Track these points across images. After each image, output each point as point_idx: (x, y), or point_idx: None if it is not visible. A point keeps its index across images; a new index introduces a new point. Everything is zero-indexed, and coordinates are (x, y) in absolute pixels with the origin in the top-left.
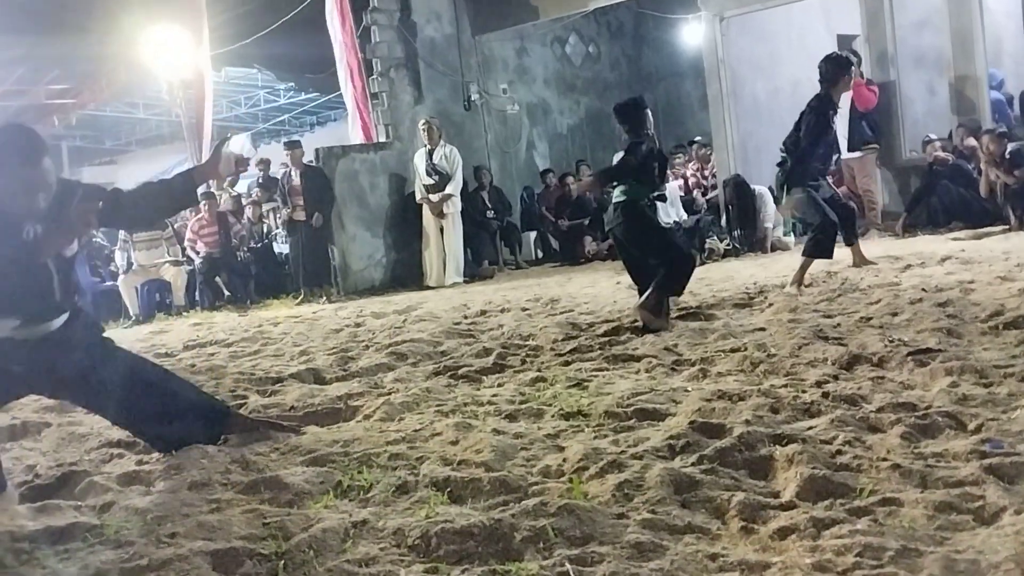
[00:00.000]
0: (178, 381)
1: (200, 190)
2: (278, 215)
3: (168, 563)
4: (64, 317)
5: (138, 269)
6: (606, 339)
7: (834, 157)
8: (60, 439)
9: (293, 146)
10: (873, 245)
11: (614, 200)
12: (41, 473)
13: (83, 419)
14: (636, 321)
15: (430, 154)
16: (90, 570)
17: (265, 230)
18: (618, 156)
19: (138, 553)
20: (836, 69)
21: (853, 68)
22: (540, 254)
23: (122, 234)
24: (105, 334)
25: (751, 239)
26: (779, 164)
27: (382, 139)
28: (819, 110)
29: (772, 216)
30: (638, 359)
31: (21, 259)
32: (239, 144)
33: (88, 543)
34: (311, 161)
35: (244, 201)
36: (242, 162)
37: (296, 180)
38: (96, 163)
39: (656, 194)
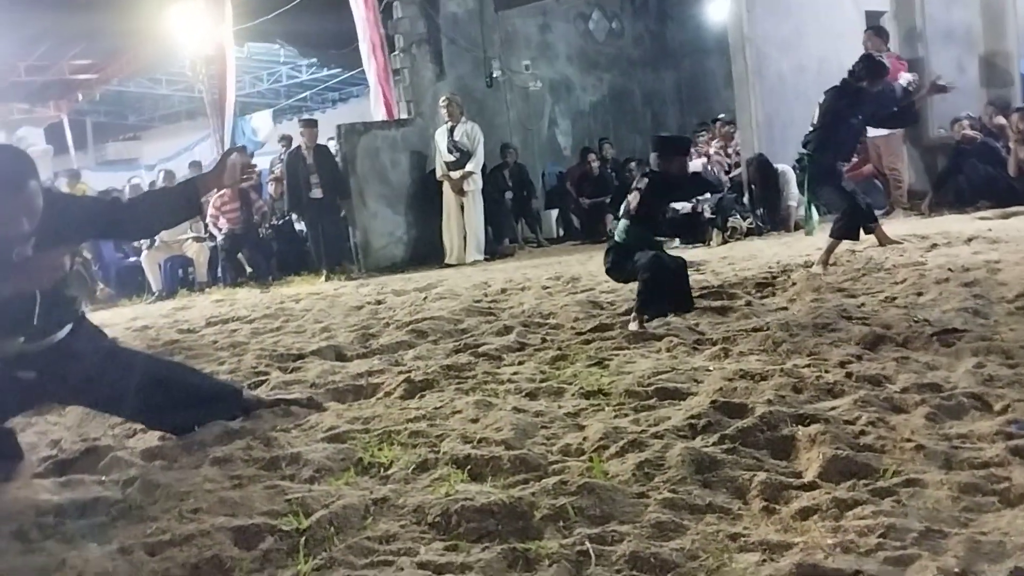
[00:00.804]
0: (185, 371)
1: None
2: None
3: (191, 538)
4: (68, 328)
5: (161, 245)
6: (627, 318)
7: (856, 147)
8: (84, 414)
9: (309, 124)
10: (899, 224)
11: (616, 238)
12: (65, 448)
13: None
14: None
15: (451, 131)
16: (114, 544)
17: (286, 208)
18: (643, 181)
19: (161, 528)
20: (869, 72)
21: (884, 77)
22: (561, 232)
23: None
24: (107, 337)
25: (774, 218)
26: (797, 161)
27: (404, 116)
28: (837, 100)
29: (795, 195)
30: (659, 338)
31: (13, 281)
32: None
33: (112, 517)
34: (331, 138)
35: (267, 177)
36: (247, 170)
37: (310, 159)
38: (119, 138)
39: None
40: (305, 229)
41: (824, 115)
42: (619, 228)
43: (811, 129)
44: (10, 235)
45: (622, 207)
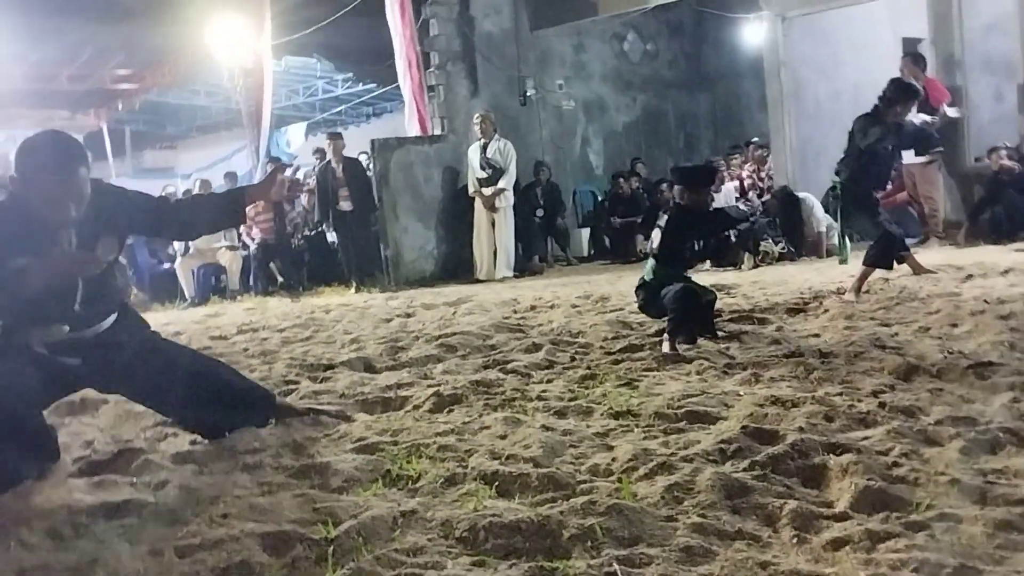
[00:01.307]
0: (225, 369)
1: (257, 178)
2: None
3: (220, 543)
4: (112, 318)
5: (195, 253)
6: (657, 339)
7: (891, 175)
8: (117, 416)
9: (335, 137)
10: (933, 254)
11: (645, 277)
12: (98, 449)
13: None
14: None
15: (484, 148)
16: (145, 546)
17: (317, 219)
18: (663, 219)
19: (191, 532)
20: (900, 96)
21: (916, 100)
22: (592, 251)
23: None
24: (151, 328)
25: (800, 247)
26: (831, 189)
27: (437, 132)
28: (866, 128)
29: (823, 220)
30: (689, 360)
31: (59, 269)
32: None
33: (143, 519)
34: (364, 152)
35: (300, 189)
36: (295, 187)
37: (339, 171)
38: (157, 147)
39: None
40: (336, 241)
41: (855, 143)
42: (647, 267)
43: (842, 157)
44: (57, 219)
45: (648, 246)
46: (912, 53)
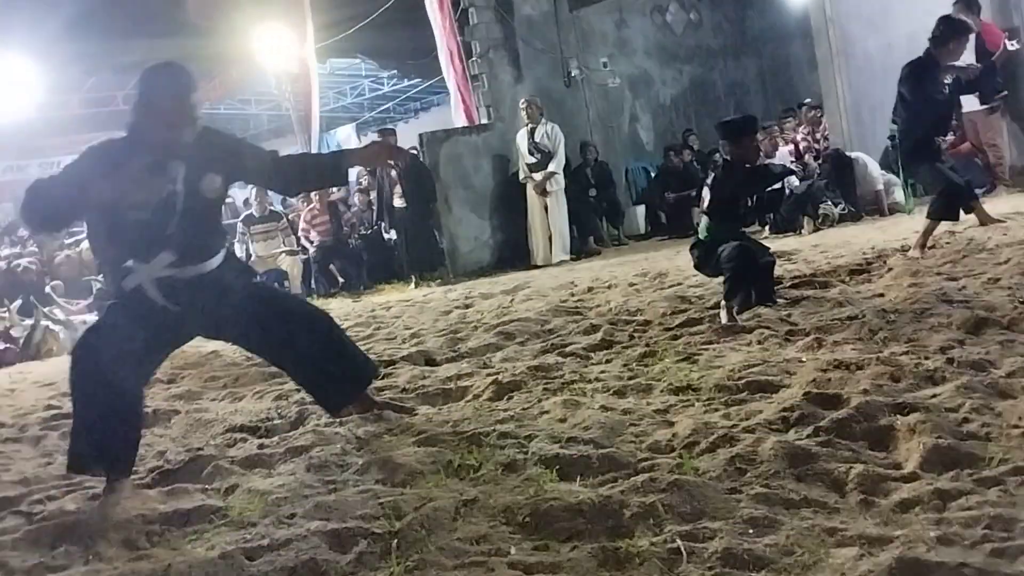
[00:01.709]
0: (337, 328)
1: None
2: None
3: (287, 543)
4: (219, 258)
5: (256, 260)
6: (716, 311)
7: (951, 122)
8: (188, 425)
9: (385, 133)
10: (1001, 202)
11: (699, 235)
12: (171, 458)
13: (209, 406)
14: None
15: (532, 133)
16: (216, 551)
17: (374, 216)
18: (711, 177)
19: (259, 534)
20: (951, 33)
21: (968, 36)
22: (648, 228)
23: (240, 227)
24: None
25: (859, 207)
26: (890, 138)
27: (484, 121)
28: (917, 74)
29: (879, 179)
30: (750, 331)
31: (167, 196)
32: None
33: (214, 524)
34: (413, 147)
35: (353, 188)
36: (401, 155)
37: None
38: None
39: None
40: (394, 237)
41: (905, 89)
42: (701, 225)
43: (895, 107)
44: (173, 143)
45: (700, 204)
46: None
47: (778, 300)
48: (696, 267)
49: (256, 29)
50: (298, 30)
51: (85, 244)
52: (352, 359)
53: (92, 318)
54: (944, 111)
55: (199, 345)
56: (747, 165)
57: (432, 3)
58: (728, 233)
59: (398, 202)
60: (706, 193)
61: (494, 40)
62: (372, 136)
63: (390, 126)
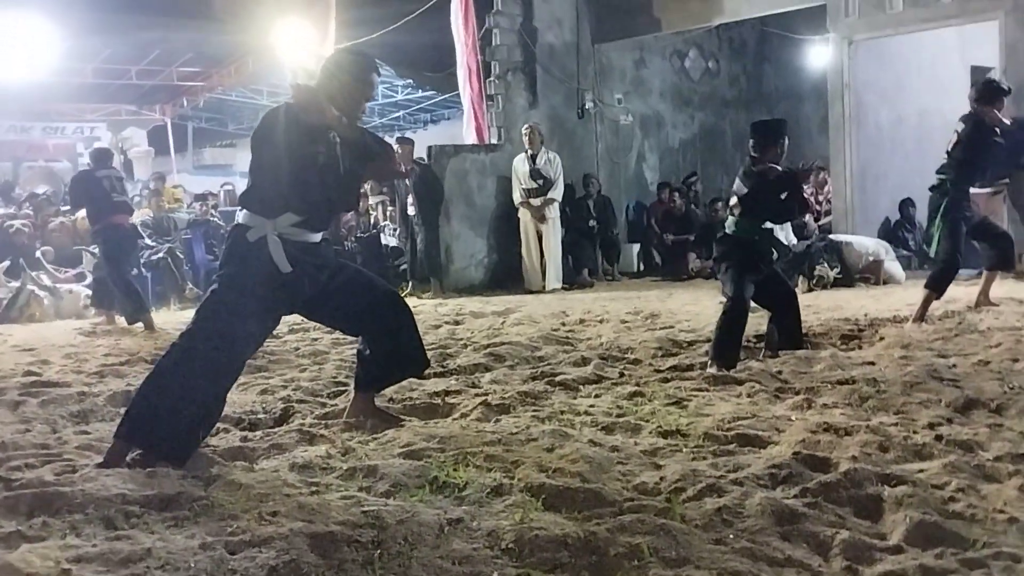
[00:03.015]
0: (409, 315)
1: None
2: (387, 209)
3: (269, 541)
4: (320, 235)
5: None
6: (707, 358)
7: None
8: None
9: (404, 142)
10: (995, 287)
11: (726, 230)
12: None
13: None
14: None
15: (533, 158)
16: (196, 540)
17: (372, 222)
18: (738, 181)
19: (241, 528)
20: (994, 91)
21: (1001, 102)
22: (641, 267)
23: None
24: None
25: (850, 276)
26: (932, 188)
27: (494, 141)
28: (971, 128)
29: (879, 249)
30: (740, 382)
31: (320, 164)
32: None
33: (194, 512)
34: (420, 158)
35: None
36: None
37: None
38: (217, 144)
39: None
40: (392, 244)
41: (964, 142)
42: (728, 222)
43: (947, 157)
44: (353, 116)
45: (730, 201)
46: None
47: (805, 346)
48: (715, 260)
49: (279, 22)
50: (321, 28)
51: (81, 212)
52: (413, 350)
53: (80, 288)
54: (994, 167)
55: None
56: (776, 166)
57: (457, 19)
58: (753, 231)
59: (412, 210)
60: (737, 187)
61: (514, 63)
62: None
63: (408, 135)
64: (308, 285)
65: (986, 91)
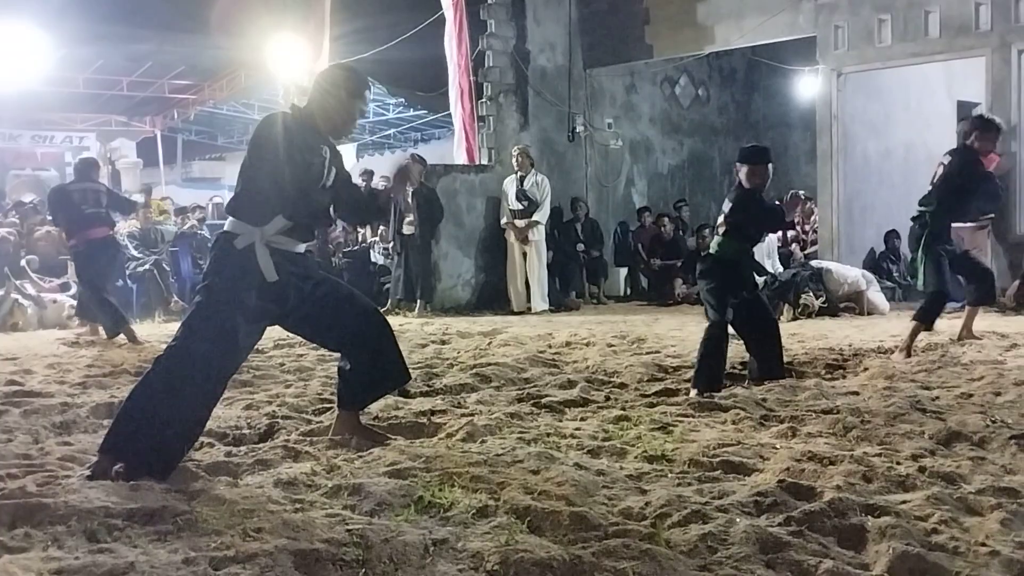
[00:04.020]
0: (388, 328)
1: None
2: (377, 227)
3: (253, 557)
4: (305, 247)
5: None
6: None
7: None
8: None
9: (418, 161)
10: (978, 320)
11: (711, 250)
12: None
13: None
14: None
15: (521, 180)
16: (179, 554)
17: (359, 239)
18: (726, 202)
19: (225, 543)
20: (982, 126)
21: (994, 139)
22: (628, 291)
23: None
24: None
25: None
26: (914, 218)
27: (484, 162)
28: (958, 163)
29: (859, 279)
30: (725, 409)
31: (310, 176)
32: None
33: (178, 527)
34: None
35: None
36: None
37: (409, 196)
38: (206, 158)
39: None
40: (380, 262)
41: (949, 175)
42: (713, 243)
43: (930, 189)
44: (345, 132)
45: (716, 224)
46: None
47: (788, 375)
48: (698, 275)
49: (273, 37)
50: (315, 44)
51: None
52: (395, 364)
53: (64, 298)
54: (975, 201)
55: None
56: (759, 195)
57: (451, 40)
58: (737, 253)
59: (407, 229)
60: (725, 207)
61: (506, 85)
62: (376, 159)
63: (418, 153)
64: (293, 295)
65: (978, 126)
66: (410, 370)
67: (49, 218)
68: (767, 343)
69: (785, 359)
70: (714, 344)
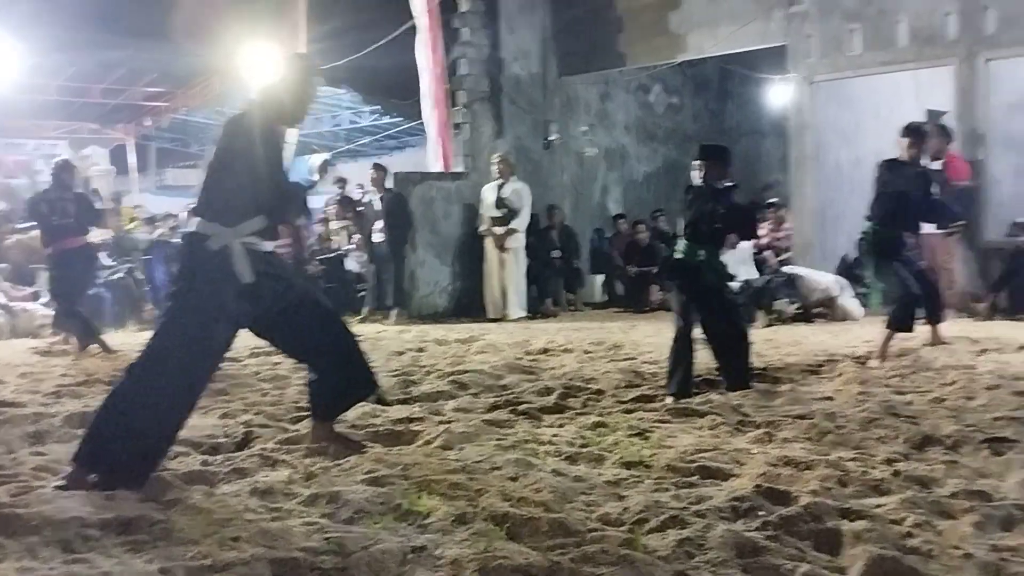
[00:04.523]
0: (352, 336)
1: None
2: (351, 235)
3: (231, 566)
4: (273, 245)
5: None
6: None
7: (917, 226)
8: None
9: (378, 169)
10: (949, 325)
11: (676, 255)
12: None
13: None
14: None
15: (500, 188)
16: (155, 564)
17: (333, 247)
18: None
19: (202, 553)
20: (907, 134)
21: (925, 140)
22: (605, 297)
23: None
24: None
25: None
26: (864, 234)
27: (459, 169)
28: (882, 175)
29: (833, 286)
30: (702, 415)
31: (275, 173)
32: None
33: (153, 536)
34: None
35: (316, 217)
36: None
37: (378, 203)
38: (179, 165)
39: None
40: (356, 270)
41: (880, 185)
42: (678, 246)
43: (871, 203)
44: (299, 118)
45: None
46: (941, 125)
47: (746, 387)
48: (663, 277)
49: (246, 44)
50: (288, 51)
51: (36, 232)
52: (362, 371)
53: (35, 306)
54: (916, 207)
55: None
56: (720, 193)
57: (425, 48)
58: (698, 256)
59: (377, 237)
60: (684, 211)
61: (480, 93)
62: (342, 168)
63: (382, 163)
64: (267, 295)
65: (901, 133)
66: (378, 378)
67: (20, 226)
68: (729, 353)
69: (760, 365)
70: (678, 350)
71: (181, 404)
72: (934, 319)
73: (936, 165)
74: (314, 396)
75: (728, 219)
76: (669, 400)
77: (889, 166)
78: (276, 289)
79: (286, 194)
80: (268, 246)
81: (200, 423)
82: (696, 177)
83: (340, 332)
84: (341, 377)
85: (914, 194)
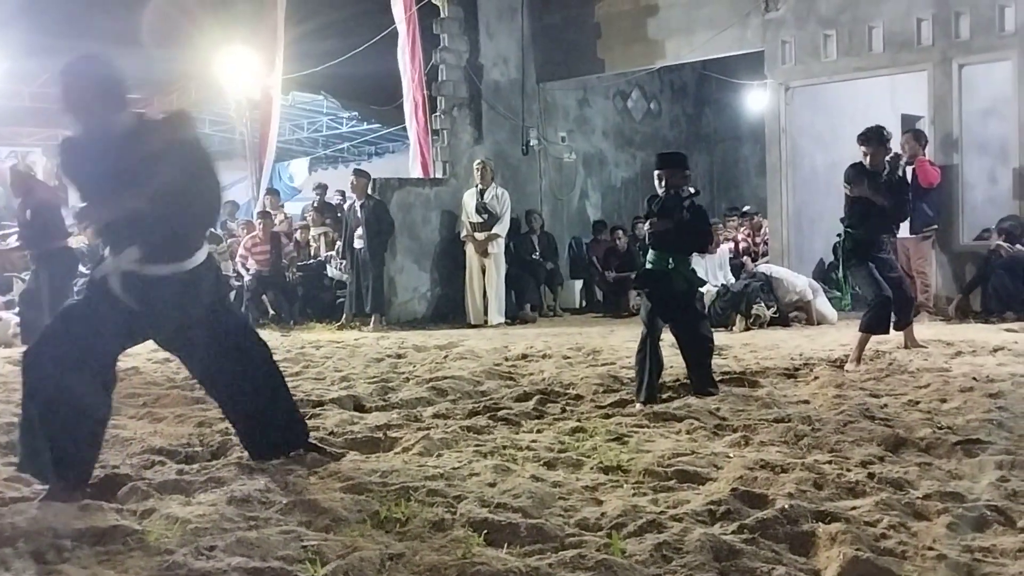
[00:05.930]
0: (285, 386)
1: (256, 209)
2: (333, 241)
3: None
4: (196, 260)
5: None
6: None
7: (893, 228)
8: (104, 442)
9: (360, 175)
10: (924, 328)
11: (647, 265)
12: None
13: (127, 424)
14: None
15: (481, 193)
16: (130, 575)
17: (312, 253)
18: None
19: (177, 563)
20: (864, 140)
21: (883, 145)
22: (584, 303)
23: None
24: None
25: (784, 314)
26: (838, 236)
27: (439, 175)
28: (852, 178)
29: (807, 289)
30: (680, 419)
31: (140, 195)
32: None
33: (128, 547)
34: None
35: (296, 223)
36: None
37: (359, 210)
38: None
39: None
40: (336, 277)
41: (847, 189)
42: (648, 257)
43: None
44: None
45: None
46: (914, 129)
47: (712, 391)
48: (636, 286)
49: (224, 51)
50: (267, 58)
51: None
52: (289, 420)
53: (9, 316)
54: (885, 211)
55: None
56: (682, 200)
57: (404, 53)
58: (666, 264)
59: (358, 243)
60: (649, 224)
61: (460, 99)
62: (330, 173)
63: (364, 169)
64: (165, 322)
65: (859, 139)
66: (308, 430)
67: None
68: (694, 360)
69: (738, 369)
70: (644, 354)
71: (94, 391)
72: (903, 323)
73: (908, 169)
74: (241, 439)
75: (687, 229)
76: (638, 406)
77: (857, 170)
78: (173, 316)
79: (188, 214)
80: (163, 270)
81: (176, 432)
82: (658, 186)
83: (267, 379)
84: (254, 431)
85: (885, 198)
